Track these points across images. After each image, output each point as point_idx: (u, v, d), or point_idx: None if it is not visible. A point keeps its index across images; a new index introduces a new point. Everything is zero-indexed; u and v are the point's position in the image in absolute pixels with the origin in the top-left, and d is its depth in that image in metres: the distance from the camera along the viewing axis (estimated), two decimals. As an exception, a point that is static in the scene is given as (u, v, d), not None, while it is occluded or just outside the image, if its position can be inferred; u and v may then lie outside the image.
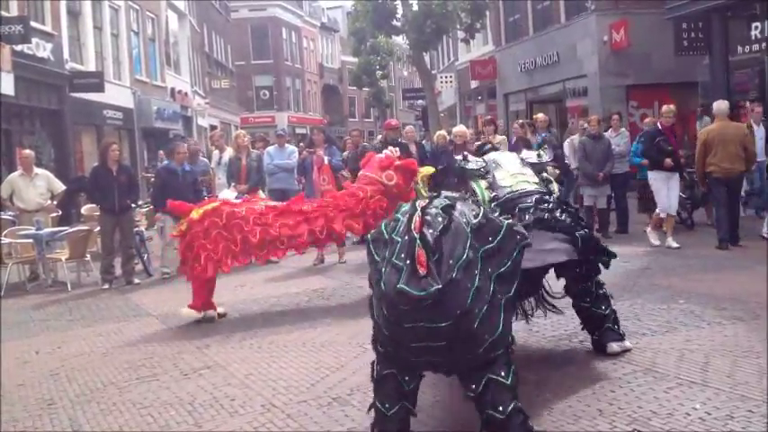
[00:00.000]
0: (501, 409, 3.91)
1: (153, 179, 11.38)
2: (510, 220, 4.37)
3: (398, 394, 4.13)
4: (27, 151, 11.94)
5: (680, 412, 4.47)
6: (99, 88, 21.27)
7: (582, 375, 5.25)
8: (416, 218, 3.86)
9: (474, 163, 5.86)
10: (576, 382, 5.11)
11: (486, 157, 6.03)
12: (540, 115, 13.76)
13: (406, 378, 4.13)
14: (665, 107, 11.24)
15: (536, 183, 5.69)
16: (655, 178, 10.78)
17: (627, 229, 12.11)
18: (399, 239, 3.89)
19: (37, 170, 11.56)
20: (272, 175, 11.98)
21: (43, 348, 7.02)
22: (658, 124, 11.10)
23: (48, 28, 19.41)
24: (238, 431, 4.63)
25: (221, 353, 6.44)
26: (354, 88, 53.83)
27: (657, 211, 10.74)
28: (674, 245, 10.39)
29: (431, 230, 3.82)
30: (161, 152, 13.27)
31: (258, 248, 7.69)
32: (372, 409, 4.29)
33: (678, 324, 6.46)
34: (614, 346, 5.69)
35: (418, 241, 3.76)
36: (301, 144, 13.63)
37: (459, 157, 6.22)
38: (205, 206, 7.77)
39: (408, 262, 3.75)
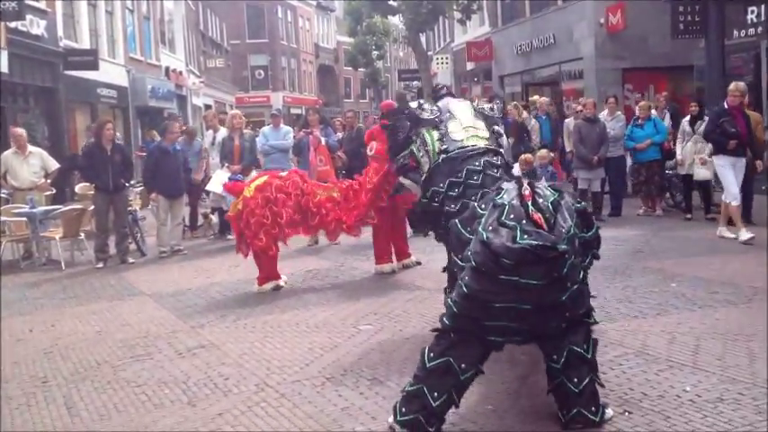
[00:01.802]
0: (576, 380, 4.02)
1: (145, 158, 11.35)
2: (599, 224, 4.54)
3: (450, 385, 3.98)
4: (19, 130, 11.87)
5: (670, 394, 4.51)
6: (93, 66, 21.15)
7: (574, 357, 5.28)
8: (526, 190, 4.01)
9: (429, 112, 5.78)
10: (567, 364, 5.14)
11: (441, 103, 5.85)
12: (540, 97, 13.74)
13: (463, 366, 3.98)
14: (732, 84, 10.16)
15: (486, 138, 5.59)
16: (721, 164, 9.71)
17: (620, 212, 12.14)
18: (507, 204, 3.95)
19: (31, 148, 11.50)
20: (267, 155, 11.95)
21: (37, 326, 7.03)
22: (725, 103, 9.90)
23: (42, 5, 19.24)
24: (232, 410, 4.66)
25: (215, 332, 6.46)
26: (350, 69, 53.76)
27: (724, 200, 9.70)
28: (747, 236, 9.28)
29: (541, 200, 3.98)
30: (153, 131, 13.15)
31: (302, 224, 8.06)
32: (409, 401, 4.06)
33: (670, 307, 6.50)
34: None
35: (531, 207, 3.90)
36: (295, 129, 13.54)
37: (414, 104, 6.04)
38: (255, 182, 7.93)
39: (524, 221, 3.85)
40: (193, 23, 37.20)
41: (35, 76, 19.33)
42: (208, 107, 34.23)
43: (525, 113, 14.36)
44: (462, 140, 5.58)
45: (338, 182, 9.04)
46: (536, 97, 17.89)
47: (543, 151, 12.51)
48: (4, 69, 16.59)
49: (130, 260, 10.32)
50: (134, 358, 5.86)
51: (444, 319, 4.10)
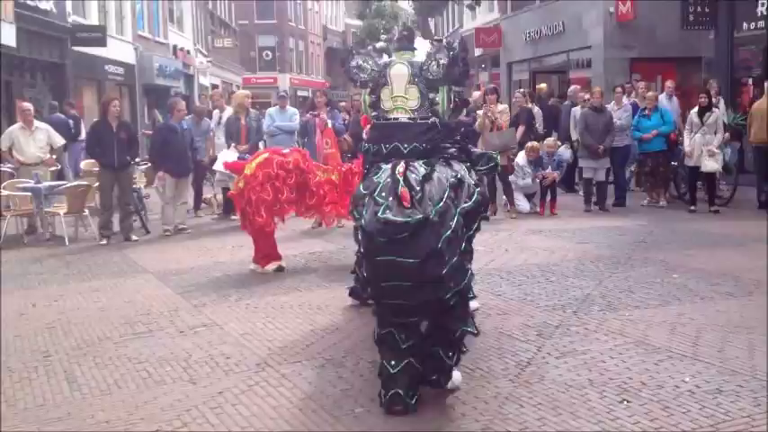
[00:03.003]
0: (451, 354, 4.30)
1: (152, 136, 11.34)
2: (481, 189, 4.62)
3: (400, 351, 4.20)
4: (26, 104, 11.86)
5: (669, 384, 4.53)
6: (101, 43, 21.14)
7: (574, 345, 5.30)
8: (401, 167, 4.16)
9: (367, 73, 5.32)
10: (567, 352, 5.16)
11: (386, 59, 5.29)
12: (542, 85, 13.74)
13: (402, 336, 4.20)
14: None
15: (414, 109, 5.03)
16: None
17: (624, 202, 12.13)
18: (381, 181, 4.16)
19: (37, 123, 11.51)
20: (272, 136, 11.94)
21: (40, 301, 7.06)
22: None
23: (50, -20, 19.22)
24: (233, 388, 4.69)
25: (218, 312, 6.48)
26: (358, 52, 53.51)
27: None
28: None
29: (413, 175, 4.13)
30: (156, 111, 13.09)
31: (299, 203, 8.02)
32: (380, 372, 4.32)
33: (671, 298, 6.51)
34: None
35: (402, 182, 4.05)
36: (302, 111, 13.50)
37: (354, 62, 5.34)
38: (256, 159, 7.93)
39: (391, 198, 4.02)
40: (202, 2, 37.06)
41: (43, 52, 19.32)
42: (215, 87, 34.17)
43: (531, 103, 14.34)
44: (387, 111, 5.13)
45: (338, 165, 9.03)
46: (543, 85, 17.85)
47: (550, 140, 12.49)
48: (12, 43, 16.57)
49: (134, 238, 10.34)
50: (136, 335, 5.89)
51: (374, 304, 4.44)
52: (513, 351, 5.21)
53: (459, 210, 4.26)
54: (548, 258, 8.30)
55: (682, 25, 16.37)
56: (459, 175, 4.43)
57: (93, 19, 22.46)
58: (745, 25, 15.30)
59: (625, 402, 4.28)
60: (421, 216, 3.95)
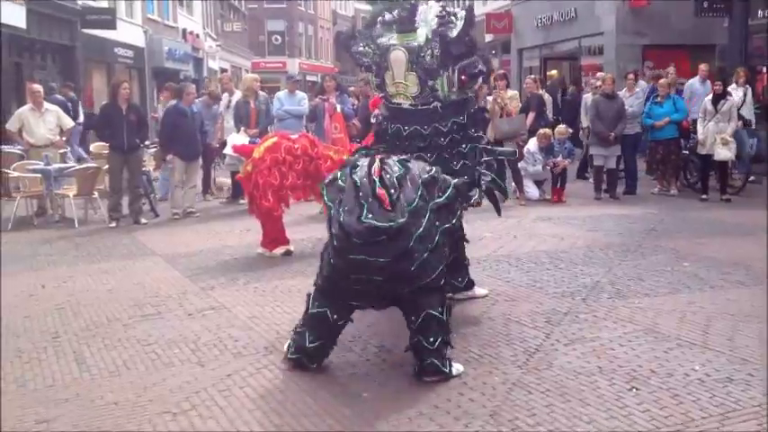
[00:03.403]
0: (431, 339, 4.39)
1: (162, 119, 11.30)
2: (456, 181, 4.73)
3: (325, 332, 4.57)
4: (36, 86, 11.85)
5: (679, 372, 4.51)
6: (111, 25, 21.13)
7: (582, 333, 5.28)
8: (376, 166, 4.29)
9: (369, 57, 5.42)
10: (576, 339, 5.14)
11: (384, 40, 5.38)
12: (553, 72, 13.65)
13: (335, 316, 4.53)
14: None
15: (414, 96, 5.29)
16: None
17: (635, 190, 12.05)
18: (358, 181, 4.27)
19: (47, 105, 11.51)
20: (281, 120, 11.91)
21: (49, 283, 7.08)
22: None
23: (60, -38, 19.18)
24: (241, 371, 4.69)
25: (226, 295, 6.48)
26: (368, 37, 53.33)
27: None
28: None
29: (388, 176, 4.28)
30: (163, 95, 12.91)
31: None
32: (295, 334, 4.71)
33: (681, 286, 6.48)
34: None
35: (378, 183, 4.21)
36: (311, 95, 13.43)
37: (356, 47, 5.54)
38: (264, 143, 7.91)
39: (370, 200, 4.17)
40: (212, -15, 36.97)
41: (53, 34, 19.32)
42: (224, 71, 34.15)
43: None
44: (392, 96, 5.42)
45: (349, 145, 8.99)
46: (554, 72, 17.75)
47: (562, 127, 12.41)
48: (22, 25, 16.56)
49: (143, 221, 10.35)
50: (144, 317, 5.90)
51: (317, 278, 4.64)
52: (522, 338, 5.19)
53: (431, 206, 4.42)
54: (557, 245, 8.26)
55: (696, 12, 16.22)
56: (432, 171, 4.55)
57: (102, 2, 22.43)
58: (759, 13, 15.14)
59: (634, 390, 4.27)
60: (402, 220, 4.16)
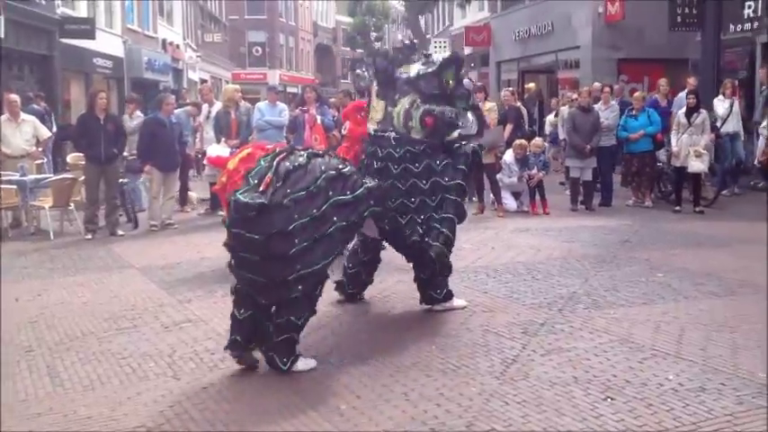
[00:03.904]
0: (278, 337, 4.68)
1: (140, 130, 11.23)
2: (371, 185, 4.96)
3: (250, 302, 4.78)
4: (13, 96, 11.76)
5: (653, 382, 4.55)
6: (90, 35, 21.01)
7: (559, 343, 5.32)
8: (280, 156, 4.72)
9: (365, 81, 6.09)
10: (552, 350, 5.18)
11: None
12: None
13: (241, 310, 4.81)
14: None
15: (378, 121, 5.82)
16: None
17: (610, 202, 12.17)
18: (262, 164, 4.72)
19: (24, 116, 11.41)
20: (261, 131, 11.89)
21: (23, 295, 7.00)
22: None
23: (38, -28, 19.09)
24: (217, 384, 4.67)
25: (203, 308, 6.45)
26: (348, 49, 53.48)
27: None
28: None
29: (287, 164, 4.67)
30: (129, 108, 12.69)
31: None
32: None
33: (655, 297, 6.54)
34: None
35: (273, 169, 4.61)
36: (291, 106, 13.43)
37: (360, 70, 6.27)
38: (239, 154, 7.85)
39: (256, 181, 4.61)
40: (192, -3, 36.92)
41: (31, 43, 19.19)
42: (203, 81, 34.05)
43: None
44: (376, 122, 5.93)
45: None
46: (531, 84, 17.92)
47: (538, 140, 12.52)
48: (0, 34, 16.44)
49: (120, 232, 10.28)
50: (120, 330, 5.86)
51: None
52: (499, 348, 5.22)
53: (331, 201, 4.68)
54: (534, 257, 8.32)
55: (669, 27, 16.45)
56: (344, 169, 4.84)
57: (81, 11, 22.33)
58: (731, 27, 15.39)
59: (609, 400, 4.30)
60: (262, 201, 4.47)
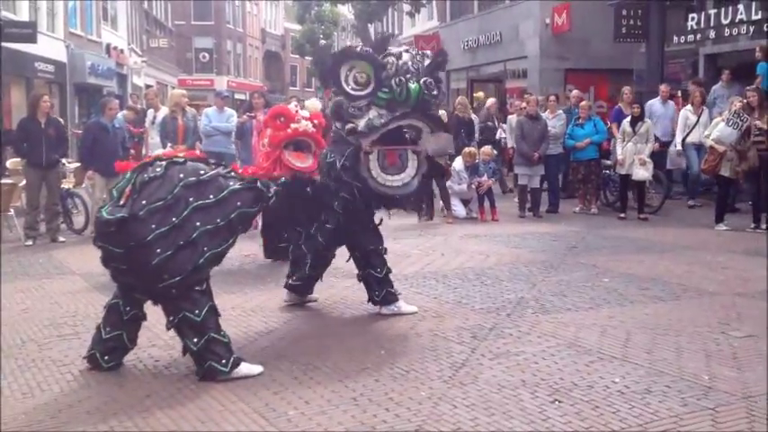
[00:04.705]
0: (195, 340, 4.67)
1: (82, 134, 11.00)
2: (237, 186, 4.91)
3: (118, 323, 4.89)
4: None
5: (600, 385, 4.60)
6: (31, 39, 20.47)
7: (507, 347, 5.34)
8: (139, 169, 4.80)
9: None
10: (501, 354, 5.20)
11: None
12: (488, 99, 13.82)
13: (128, 308, 4.88)
14: None
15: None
16: None
17: (557, 209, 12.33)
18: (126, 178, 4.81)
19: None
20: (209, 137, 11.74)
21: (-40, 303, 6.77)
22: None
23: (-23, -28, 18.57)
24: (161, 391, 4.57)
25: (147, 314, 6.29)
26: (297, 56, 53.26)
27: None
28: None
29: (144, 175, 4.71)
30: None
31: None
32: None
33: (602, 301, 6.63)
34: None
35: (132, 181, 4.70)
36: (239, 112, 13.28)
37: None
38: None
39: (117, 195, 4.70)
40: (137, 2, 36.36)
41: (-32, 47, 18.62)
42: (149, 87, 33.54)
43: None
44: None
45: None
46: (480, 93, 18.08)
47: (487, 148, 12.62)
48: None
49: (61, 239, 10.03)
50: (61, 337, 5.70)
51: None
52: (448, 353, 5.22)
53: (192, 206, 4.67)
54: (483, 262, 8.37)
55: (615, 38, 16.78)
56: (203, 175, 4.81)
57: (23, 14, 21.78)
58: (675, 39, 15.78)
59: (557, 402, 4.33)
60: (122, 215, 4.53)
